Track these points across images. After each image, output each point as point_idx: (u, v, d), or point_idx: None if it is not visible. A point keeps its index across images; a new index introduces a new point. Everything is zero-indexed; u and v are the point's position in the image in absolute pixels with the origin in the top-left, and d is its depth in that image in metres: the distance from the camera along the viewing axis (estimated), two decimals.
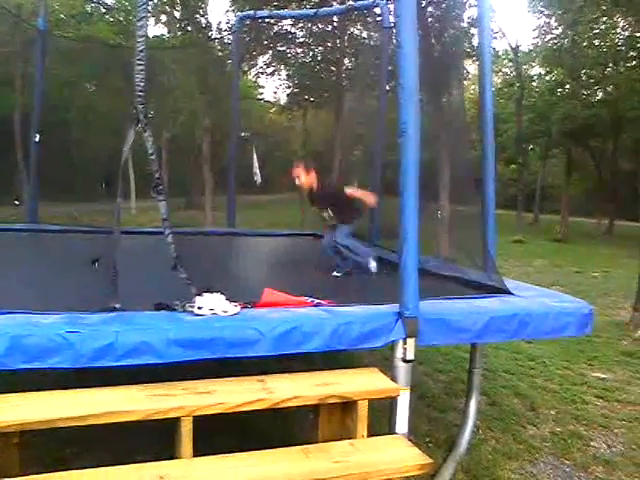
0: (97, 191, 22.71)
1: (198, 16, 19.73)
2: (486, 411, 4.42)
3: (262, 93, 29.98)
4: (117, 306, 2.94)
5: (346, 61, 18.60)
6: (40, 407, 2.43)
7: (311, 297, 3.39)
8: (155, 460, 2.45)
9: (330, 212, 4.95)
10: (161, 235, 3.11)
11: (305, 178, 4.93)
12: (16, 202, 6.73)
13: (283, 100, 25.49)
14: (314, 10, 11.62)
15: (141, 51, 3.04)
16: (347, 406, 2.80)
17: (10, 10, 13.41)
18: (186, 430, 2.48)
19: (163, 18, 21.51)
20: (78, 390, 2.62)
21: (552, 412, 4.56)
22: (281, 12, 13.45)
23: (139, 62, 3.02)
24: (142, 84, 3.01)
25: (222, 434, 3.20)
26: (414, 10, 3.09)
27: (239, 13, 8.79)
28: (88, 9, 24.72)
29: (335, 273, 4.80)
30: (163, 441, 2.68)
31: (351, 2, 13.00)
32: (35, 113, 7.17)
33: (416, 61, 3.02)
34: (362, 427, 2.74)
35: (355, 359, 4.75)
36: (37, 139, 6.79)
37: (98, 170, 23.58)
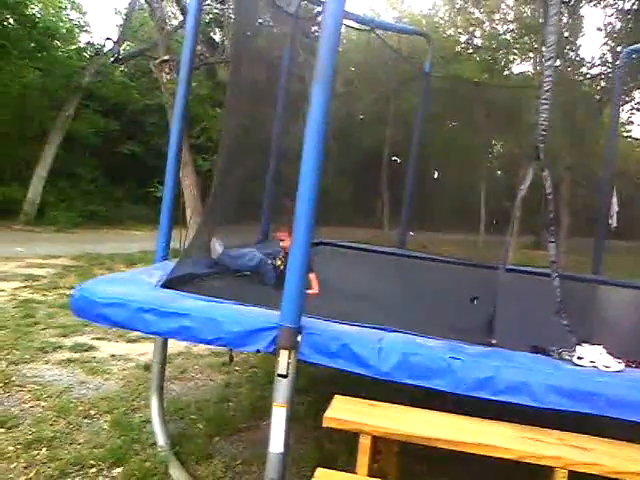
0: (446, 222, 23.59)
1: (568, 51, 19.16)
2: None
3: (630, 130, 27.54)
4: (493, 342, 2.99)
5: None
6: (422, 423, 2.61)
7: None
8: None
9: None
10: (541, 276, 3.07)
11: None
12: (411, 233, 7.36)
13: None
14: None
15: (547, 91, 3.06)
16: None
17: (401, 54, 14.80)
18: None
19: (530, 55, 21.53)
20: (452, 415, 2.74)
21: None
22: None
23: (544, 102, 3.04)
24: (545, 123, 3.02)
25: None
26: None
27: (627, 47, 8.21)
28: (458, 49, 26.14)
29: None
30: None
31: None
32: (414, 148, 7.82)
33: None
34: None
35: None
36: (435, 176, 7.40)
37: (450, 201, 24.52)
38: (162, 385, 4.08)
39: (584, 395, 2.58)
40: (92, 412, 4.25)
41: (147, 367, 5.05)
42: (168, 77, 11.86)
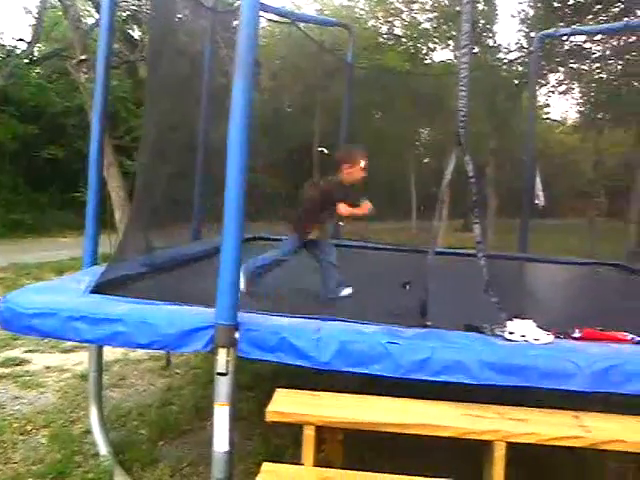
0: (380, 210, 23.87)
1: (485, 38, 19.72)
2: None
3: (548, 112, 28.66)
4: (429, 323, 3.06)
5: None
6: (365, 409, 2.64)
7: (630, 333, 3.12)
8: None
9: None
10: (470, 257, 3.16)
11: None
12: (340, 222, 7.36)
13: (573, 119, 24.09)
14: (622, 23, 10.72)
15: (464, 77, 3.14)
16: None
17: (323, 46, 14.80)
18: (499, 454, 2.46)
19: (450, 43, 22.01)
20: (394, 398, 2.79)
21: None
22: (584, 28, 12.68)
23: (462, 88, 3.12)
24: (464, 109, 3.10)
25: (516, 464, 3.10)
26: None
27: (539, 33, 8.52)
28: (380, 40, 26.42)
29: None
30: (462, 463, 2.71)
31: None
32: (341, 139, 7.86)
33: None
34: None
35: None
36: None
37: (382, 190, 24.86)
38: (100, 394, 3.97)
39: (517, 369, 2.67)
40: (28, 428, 4.09)
41: (84, 376, 4.89)
42: (86, 77, 11.46)
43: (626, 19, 12.29)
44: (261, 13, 8.95)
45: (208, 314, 2.80)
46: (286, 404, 2.70)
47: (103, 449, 3.64)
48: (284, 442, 3.70)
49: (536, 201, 6.79)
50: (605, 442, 2.51)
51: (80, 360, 5.53)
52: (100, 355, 3.98)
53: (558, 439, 2.51)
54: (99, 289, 3.36)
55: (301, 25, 9.49)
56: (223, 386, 2.70)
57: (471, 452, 2.70)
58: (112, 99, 12.35)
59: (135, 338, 2.87)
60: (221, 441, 2.70)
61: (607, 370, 2.64)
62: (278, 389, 2.87)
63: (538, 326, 2.95)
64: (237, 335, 2.73)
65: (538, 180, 6.87)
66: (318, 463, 2.62)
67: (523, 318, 2.98)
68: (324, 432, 2.69)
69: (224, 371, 2.69)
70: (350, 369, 2.74)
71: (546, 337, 2.89)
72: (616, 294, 5.04)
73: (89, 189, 3.94)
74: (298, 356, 2.76)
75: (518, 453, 2.55)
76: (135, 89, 19.16)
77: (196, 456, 3.71)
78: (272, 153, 21.37)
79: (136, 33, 19.87)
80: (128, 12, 17.79)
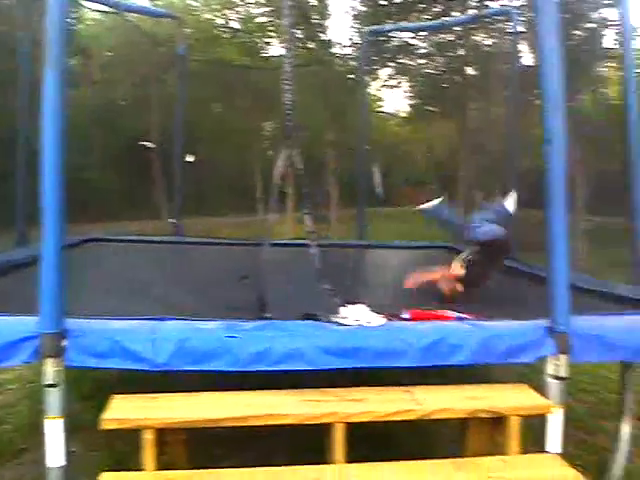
0: (226, 205, 23.70)
1: (320, 34, 20.22)
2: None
3: (382, 106, 30.08)
4: (268, 315, 3.09)
5: (470, 70, 18.26)
6: (205, 407, 2.61)
7: (453, 310, 3.38)
8: (299, 464, 2.53)
9: None
10: (303, 247, 3.23)
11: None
12: (171, 220, 7.21)
13: (405, 112, 25.47)
14: (440, 21, 11.54)
15: (289, 71, 3.19)
16: (497, 421, 2.75)
17: (149, 35, 14.32)
18: (339, 436, 2.55)
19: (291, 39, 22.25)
20: (236, 392, 2.78)
21: None
22: (407, 25, 13.45)
23: (287, 83, 3.16)
24: (290, 102, 3.14)
25: (361, 443, 3.25)
26: (555, 17, 3.01)
27: (366, 28, 8.91)
28: (216, 33, 26.08)
29: None
30: (309, 446, 2.77)
31: (476, 11, 12.79)
32: (176, 133, 7.67)
33: (559, 68, 2.95)
34: (514, 443, 2.68)
35: (488, 375, 4.61)
36: (190, 159, 7.26)
37: (227, 185, 24.67)
38: None
39: (352, 351, 2.78)
40: None
41: None
42: None
43: (444, 18, 13.23)
44: (84, 2, 8.47)
45: (32, 323, 2.60)
46: (123, 410, 2.60)
47: None
48: (132, 448, 3.55)
49: (376, 190, 7.07)
50: (435, 412, 2.70)
51: None
52: None
53: (393, 414, 2.66)
54: None
55: (134, 15, 9.10)
56: (54, 398, 2.54)
57: (318, 436, 2.77)
58: None
59: None
60: (55, 456, 2.54)
61: (434, 345, 2.83)
62: (115, 395, 2.74)
63: (371, 309, 3.10)
64: (65, 343, 2.56)
65: (376, 171, 7.16)
66: (161, 466, 2.55)
67: (356, 303, 3.11)
68: (166, 434, 2.62)
69: (53, 382, 2.52)
70: (190, 367, 2.69)
71: (378, 319, 3.03)
72: None
73: None
74: (134, 360, 2.66)
75: (365, 431, 2.66)
76: None
77: (36, 474, 3.43)
78: (107, 149, 20.35)
79: None
80: None
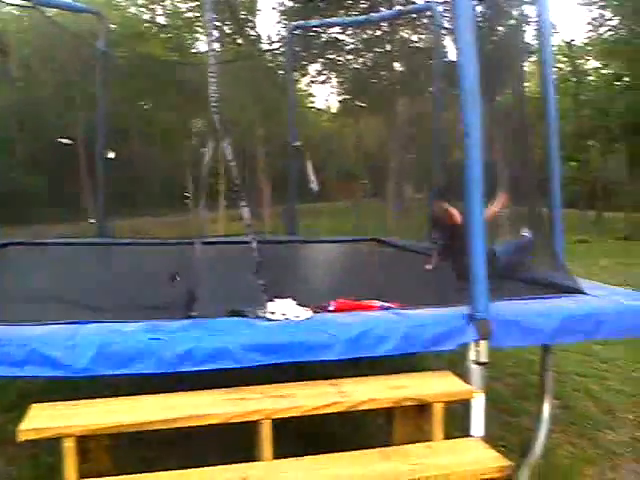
0: (156, 204, 23.24)
1: (248, 29, 20.10)
2: (560, 415, 4.30)
3: (314, 102, 30.16)
4: (194, 314, 3.04)
5: (396, 65, 18.58)
6: (127, 411, 2.54)
7: (379, 300, 3.42)
8: (232, 463, 2.51)
9: None
10: (238, 244, 3.19)
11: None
12: (91, 220, 7.03)
13: (335, 107, 25.67)
14: (365, 16, 11.67)
15: (213, 65, 3.15)
16: (422, 409, 2.81)
17: (71, 32, 13.84)
18: (266, 433, 2.54)
19: (215, 33, 22.00)
20: (163, 395, 2.73)
21: (630, 416, 4.39)
22: (332, 20, 13.55)
23: (212, 76, 3.12)
24: (216, 96, 3.11)
25: (292, 438, 3.25)
26: (471, 11, 3.10)
27: (291, 23, 8.91)
28: (142, 28, 25.45)
29: None
30: (241, 444, 2.75)
31: (400, 7, 13.02)
32: (99, 131, 7.45)
33: (476, 62, 3.03)
34: (439, 430, 2.74)
35: (419, 363, 4.72)
36: (111, 156, 7.05)
37: (157, 183, 24.18)
38: None
39: (280, 346, 2.78)
40: None
41: None
42: None
43: (371, 13, 13.40)
44: None
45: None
46: (41, 419, 2.50)
47: None
48: (56, 459, 3.42)
49: (310, 185, 7.07)
50: (361, 403, 2.73)
51: None
52: None
53: (320, 408, 2.67)
54: None
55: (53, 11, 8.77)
56: None
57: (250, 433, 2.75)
58: None
59: None
60: None
61: (360, 336, 2.86)
62: (33, 404, 2.64)
63: (298, 303, 3.10)
64: None
65: (309, 166, 7.15)
66: (85, 474, 2.47)
67: (284, 298, 3.10)
68: (88, 441, 2.54)
69: None
70: (112, 372, 2.62)
71: (305, 313, 3.05)
72: (371, 267, 5.49)
73: None
74: (53, 367, 2.57)
75: (296, 427, 2.66)
76: None
77: None
78: (31, 148, 19.57)
79: None
80: None
